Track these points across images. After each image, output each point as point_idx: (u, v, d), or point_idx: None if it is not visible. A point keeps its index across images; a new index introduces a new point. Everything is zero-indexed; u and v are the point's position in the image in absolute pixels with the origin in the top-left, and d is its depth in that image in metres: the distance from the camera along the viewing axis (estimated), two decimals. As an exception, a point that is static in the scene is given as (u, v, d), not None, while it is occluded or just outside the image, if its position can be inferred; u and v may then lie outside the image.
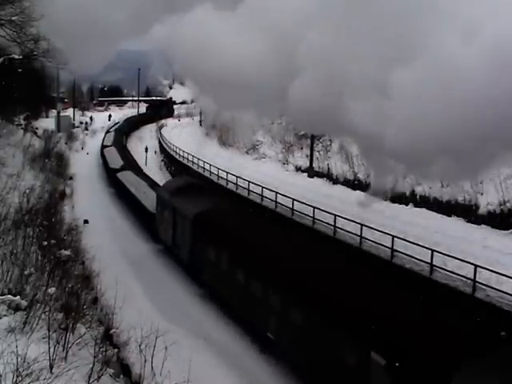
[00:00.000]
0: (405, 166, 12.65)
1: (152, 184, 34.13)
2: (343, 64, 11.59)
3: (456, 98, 9.58)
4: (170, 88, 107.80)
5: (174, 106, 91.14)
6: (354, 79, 11.37)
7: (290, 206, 25.69)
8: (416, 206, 27.50)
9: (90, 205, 32.58)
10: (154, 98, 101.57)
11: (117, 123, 70.99)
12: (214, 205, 23.00)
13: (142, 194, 31.44)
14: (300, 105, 13.16)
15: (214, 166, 36.67)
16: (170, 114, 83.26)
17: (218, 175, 35.31)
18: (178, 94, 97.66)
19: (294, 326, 14.96)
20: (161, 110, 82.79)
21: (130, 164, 43.35)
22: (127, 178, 36.35)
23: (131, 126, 70.45)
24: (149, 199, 29.27)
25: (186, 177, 36.09)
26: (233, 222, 20.93)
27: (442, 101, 9.80)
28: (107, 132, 61.88)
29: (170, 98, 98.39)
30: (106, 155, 46.83)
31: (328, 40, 12.00)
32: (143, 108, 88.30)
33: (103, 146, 51.76)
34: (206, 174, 37.68)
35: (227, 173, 33.74)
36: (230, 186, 32.51)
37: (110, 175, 41.42)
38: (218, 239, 20.34)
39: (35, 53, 25.00)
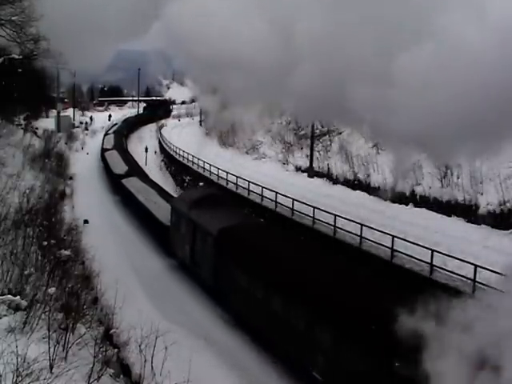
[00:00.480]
0: (415, 146, 12.21)
1: (160, 191, 32.43)
2: (345, 46, 11.29)
3: (463, 78, 9.41)
4: (168, 88, 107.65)
5: (174, 106, 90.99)
6: (358, 63, 11.07)
7: (290, 206, 25.71)
8: (416, 206, 27.49)
9: (91, 208, 31.87)
10: (154, 98, 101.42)
11: (115, 124, 70.14)
12: (241, 219, 20.97)
13: (152, 203, 29.06)
14: (304, 88, 12.72)
15: (214, 166, 36.63)
16: (167, 114, 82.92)
17: (218, 175, 35.30)
18: (176, 93, 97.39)
19: (348, 367, 12.64)
20: (158, 110, 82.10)
21: (135, 169, 40.29)
22: (134, 184, 33.75)
23: (130, 126, 69.79)
24: (161, 210, 27.06)
25: (205, 187, 33.60)
26: (266, 240, 18.60)
27: (450, 82, 9.58)
28: (106, 134, 60.00)
29: (169, 98, 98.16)
30: (108, 159, 43.77)
31: (329, 21, 11.72)
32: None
33: (103, 150, 49.17)
34: (206, 174, 37.66)
35: (227, 173, 33.73)
36: (230, 186, 32.51)
37: (114, 181, 38.27)
38: (248, 260, 17.91)
39: (35, 53, 24.94)
